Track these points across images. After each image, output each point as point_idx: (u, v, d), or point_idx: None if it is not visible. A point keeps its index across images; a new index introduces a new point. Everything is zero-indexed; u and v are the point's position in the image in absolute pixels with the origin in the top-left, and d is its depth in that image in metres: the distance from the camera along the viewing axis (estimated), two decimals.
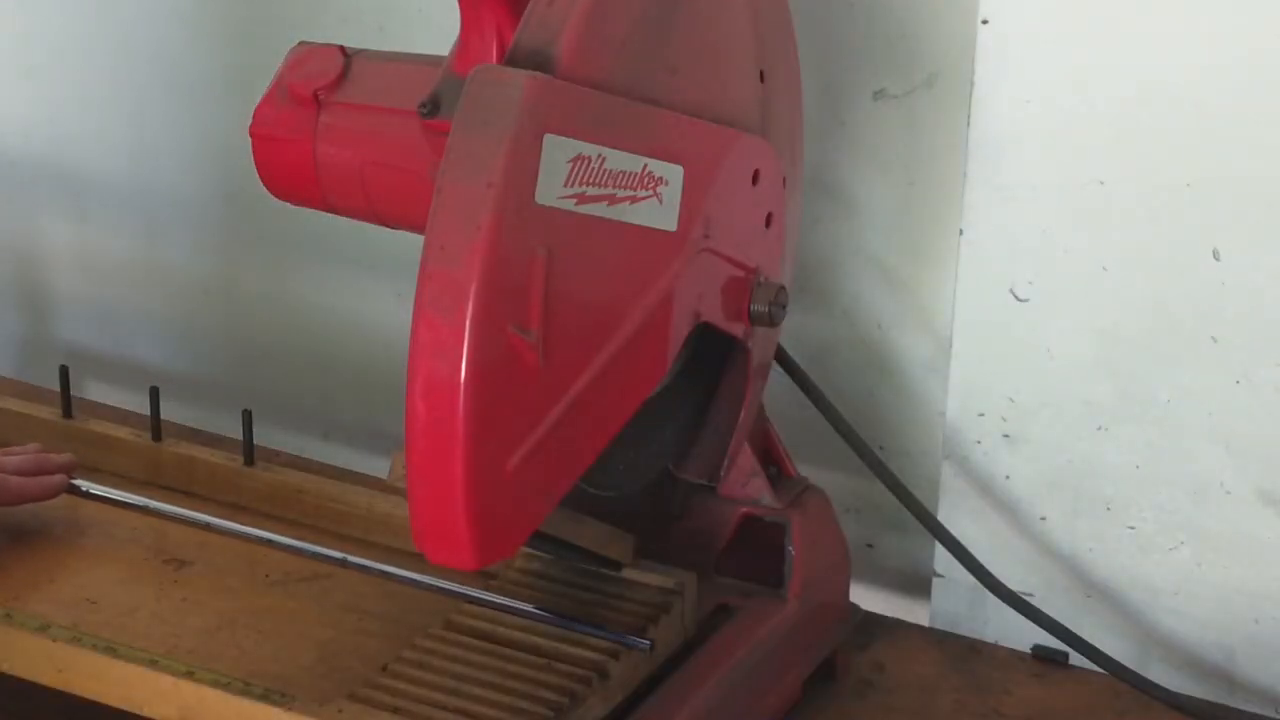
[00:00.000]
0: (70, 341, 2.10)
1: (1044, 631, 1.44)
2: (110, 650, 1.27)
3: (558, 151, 1.05)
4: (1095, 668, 1.42)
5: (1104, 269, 1.41)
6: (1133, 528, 1.46)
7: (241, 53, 1.86)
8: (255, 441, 1.51)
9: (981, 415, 1.50)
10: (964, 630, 1.54)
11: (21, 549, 1.43)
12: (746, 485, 1.37)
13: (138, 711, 1.26)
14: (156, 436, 1.55)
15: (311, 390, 1.95)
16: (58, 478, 1.46)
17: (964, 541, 1.44)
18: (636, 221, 1.13)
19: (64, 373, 1.60)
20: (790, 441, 1.42)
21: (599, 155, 1.08)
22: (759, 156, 1.27)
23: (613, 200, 1.10)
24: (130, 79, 1.94)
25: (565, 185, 1.06)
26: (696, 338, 1.24)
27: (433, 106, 1.21)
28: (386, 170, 1.28)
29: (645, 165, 1.13)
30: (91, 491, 1.48)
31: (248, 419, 1.51)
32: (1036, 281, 1.44)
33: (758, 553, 1.37)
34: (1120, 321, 1.42)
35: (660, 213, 1.15)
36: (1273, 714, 1.44)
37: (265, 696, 1.23)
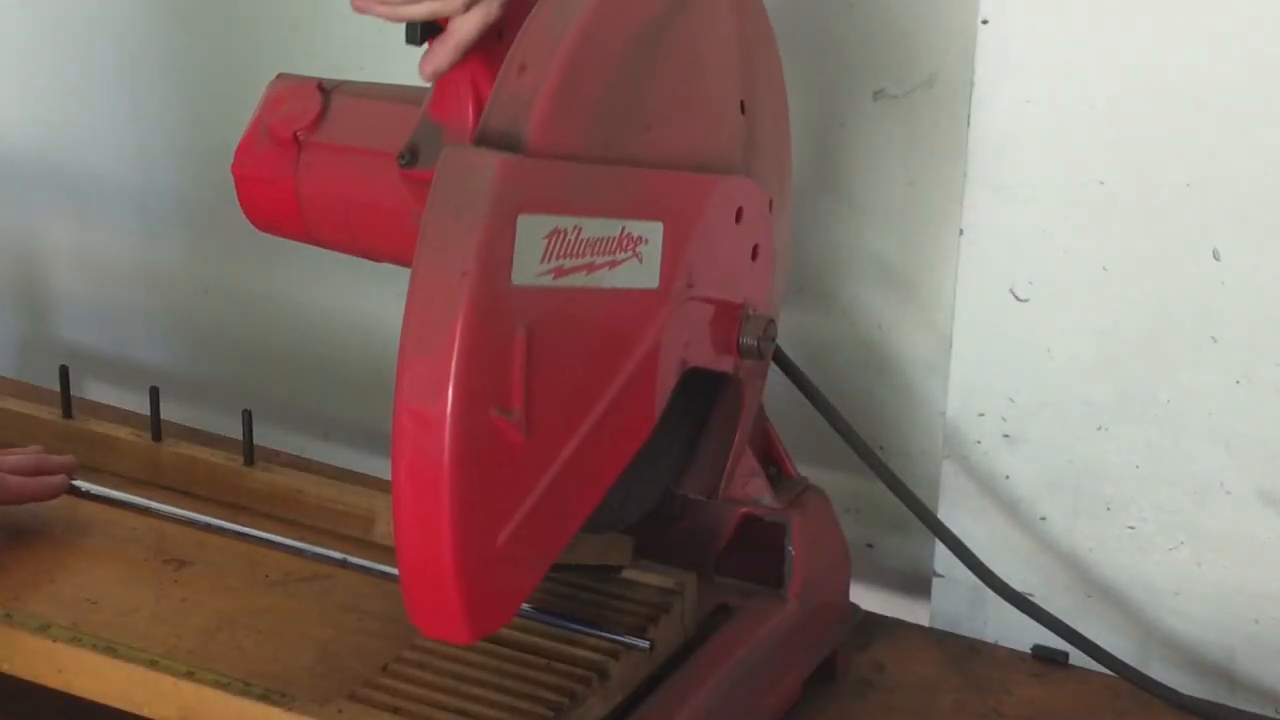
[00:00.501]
0: (70, 341, 2.09)
1: (1044, 632, 1.44)
2: (110, 650, 1.27)
3: (533, 230, 1.04)
4: (1095, 668, 1.43)
5: (1104, 269, 1.41)
6: (1133, 528, 1.46)
7: (242, 52, 1.86)
8: (255, 441, 1.51)
9: (981, 415, 1.50)
10: (964, 630, 1.54)
11: (21, 549, 1.43)
12: (746, 485, 1.37)
13: (138, 712, 1.26)
14: (156, 436, 1.55)
15: (311, 390, 1.95)
16: (58, 478, 1.46)
17: (964, 541, 1.44)
18: (617, 285, 1.12)
19: (64, 373, 1.60)
20: (790, 441, 1.42)
21: (575, 226, 1.07)
22: (741, 195, 1.24)
23: (591, 268, 1.09)
24: (130, 79, 1.94)
25: (542, 262, 1.05)
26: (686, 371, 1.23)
27: (411, 157, 1.20)
28: (370, 210, 1.27)
29: (623, 228, 1.11)
30: (92, 492, 1.48)
31: (248, 419, 1.51)
32: (1036, 281, 1.44)
33: (758, 553, 1.37)
34: (1120, 321, 1.42)
35: (641, 272, 1.14)
36: (1273, 714, 1.44)
37: (265, 696, 1.23)
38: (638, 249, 1.13)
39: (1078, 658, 1.45)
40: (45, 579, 1.39)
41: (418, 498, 1.03)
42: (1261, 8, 1.30)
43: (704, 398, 1.30)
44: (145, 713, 1.26)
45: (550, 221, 1.05)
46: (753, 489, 1.37)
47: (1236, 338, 1.38)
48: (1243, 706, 1.44)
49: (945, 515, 1.51)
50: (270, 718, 1.21)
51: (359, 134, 1.28)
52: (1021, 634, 1.48)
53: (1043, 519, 1.50)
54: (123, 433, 1.57)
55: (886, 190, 1.58)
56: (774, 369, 1.38)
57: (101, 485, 1.48)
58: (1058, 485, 1.48)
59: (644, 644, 1.26)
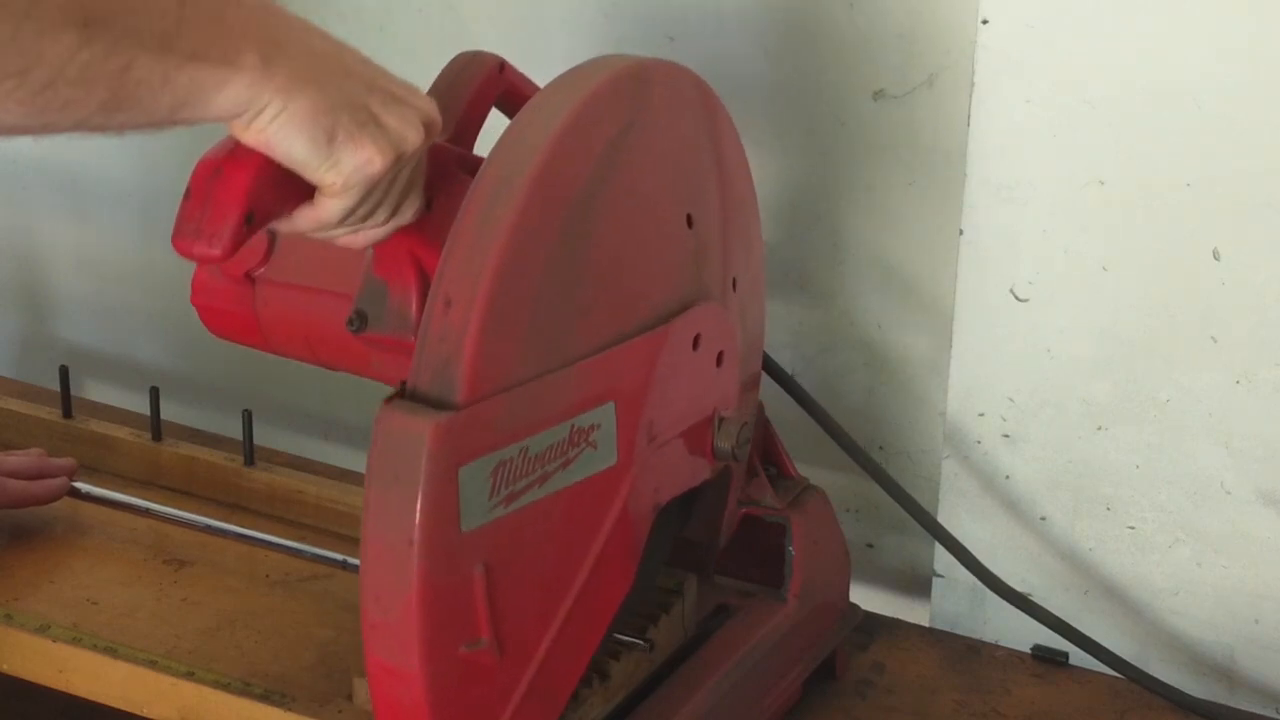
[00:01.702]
0: (70, 341, 2.09)
1: (1044, 631, 1.44)
2: (110, 650, 1.28)
3: (477, 475, 1.02)
4: (1095, 668, 1.43)
5: (1104, 269, 1.41)
6: (1133, 527, 1.46)
7: None
8: (255, 441, 1.51)
9: (981, 415, 1.50)
10: (964, 630, 1.54)
11: (21, 549, 1.43)
12: (746, 485, 1.37)
13: (138, 712, 1.26)
14: (156, 437, 1.55)
15: (311, 390, 1.95)
16: (59, 480, 1.46)
17: (964, 541, 1.44)
18: (574, 480, 1.09)
19: (64, 373, 1.60)
20: (790, 442, 1.42)
21: (521, 449, 1.05)
22: (695, 323, 1.19)
23: (544, 478, 1.07)
24: None
25: (491, 498, 1.03)
26: None
27: (360, 322, 1.18)
28: (328, 341, 1.24)
29: (572, 426, 1.08)
30: (92, 493, 1.48)
31: (248, 419, 1.51)
32: (1036, 281, 1.44)
33: (758, 553, 1.37)
34: (1120, 321, 1.42)
35: (598, 457, 1.11)
36: (1273, 714, 1.44)
37: (265, 696, 1.23)
38: (590, 438, 1.10)
39: (1077, 658, 1.45)
40: (45, 579, 1.39)
41: None
42: (1261, 8, 1.30)
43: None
44: (145, 713, 1.26)
45: (494, 458, 1.03)
46: (753, 489, 1.37)
47: (1236, 338, 1.38)
48: (1243, 706, 1.44)
49: (945, 515, 1.51)
50: (270, 718, 1.21)
51: (309, 273, 1.24)
52: (1021, 634, 1.48)
53: (1043, 519, 1.50)
54: (123, 433, 1.57)
55: (886, 190, 1.58)
56: (767, 379, 1.38)
57: (101, 486, 1.48)
58: (1058, 485, 1.48)
59: (644, 644, 1.26)
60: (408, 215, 1.11)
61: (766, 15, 1.56)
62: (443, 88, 1.21)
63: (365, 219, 1.08)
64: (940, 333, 1.55)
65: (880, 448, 1.64)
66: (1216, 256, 1.37)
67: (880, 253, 1.60)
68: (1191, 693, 1.42)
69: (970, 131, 1.43)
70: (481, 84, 1.21)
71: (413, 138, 1.05)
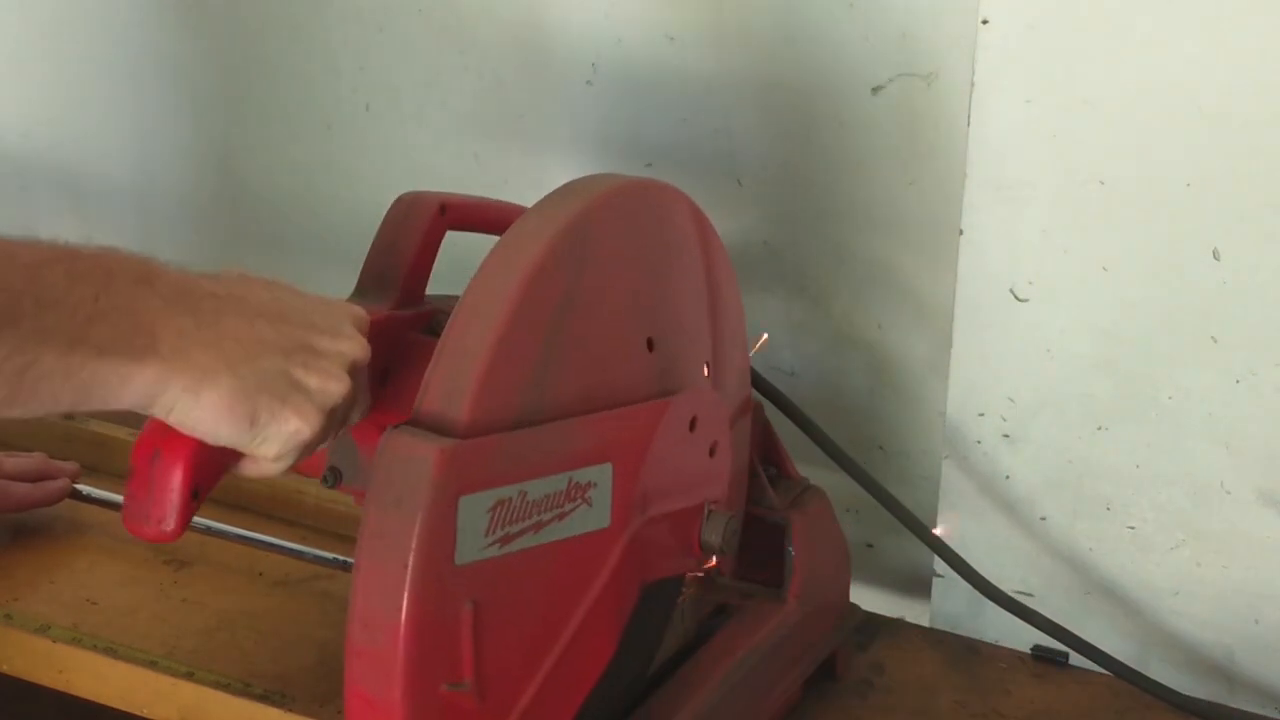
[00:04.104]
0: None
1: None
2: (110, 650, 1.28)
3: (476, 508, 1.03)
4: (1095, 668, 1.43)
5: (1104, 269, 1.41)
6: (1133, 528, 1.46)
7: (243, 53, 1.86)
8: None
9: (981, 415, 1.49)
10: (964, 630, 1.54)
11: (21, 549, 1.43)
12: (746, 485, 1.37)
13: (138, 712, 1.27)
14: None
15: None
16: (60, 482, 1.47)
17: (964, 541, 1.44)
18: (567, 534, 1.10)
19: None
20: (790, 442, 1.42)
21: (520, 492, 1.06)
22: (694, 405, 1.21)
23: (539, 526, 1.08)
24: (130, 79, 1.94)
25: (487, 535, 1.04)
26: None
27: (333, 478, 1.22)
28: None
29: (570, 479, 1.10)
30: (93, 495, 1.48)
31: None
32: (1036, 281, 1.44)
33: (758, 553, 1.37)
34: (1120, 321, 1.42)
35: (592, 515, 1.12)
36: (1273, 714, 1.44)
37: (265, 697, 1.23)
38: (586, 494, 1.11)
39: (1077, 658, 1.45)
40: (45, 579, 1.39)
41: None
42: (1261, 8, 1.30)
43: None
44: (145, 713, 1.26)
45: (493, 495, 1.04)
46: (753, 489, 1.37)
47: (1236, 338, 1.38)
48: (1242, 706, 1.44)
49: (945, 515, 1.51)
50: (270, 718, 1.21)
51: None
52: (1021, 634, 1.48)
53: (1043, 519, 1.50)
54: (123, 433, 1.57)
55: (886, 190, 1.58)
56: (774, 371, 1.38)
57: (102, 486, 1.48)
58: (1058, 485, 1.48)
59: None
60: (357, 416, 1.14)
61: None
62: (385, 243, 1.24)
63: (314, 449, 1.10)
64: (940, 333, 1.55)
65: (880, 448, 1.64)
66: (1216, 256, 1.37)
67: (880, 253, 1.60)
68: (1191, 693, 1.42)
69: (970, 131, 1.43)
70: (425, 232, 1.24)
71: (336, 390, 1.08)
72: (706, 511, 1.24)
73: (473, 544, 1.04)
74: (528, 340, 1.07)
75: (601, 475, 1.12)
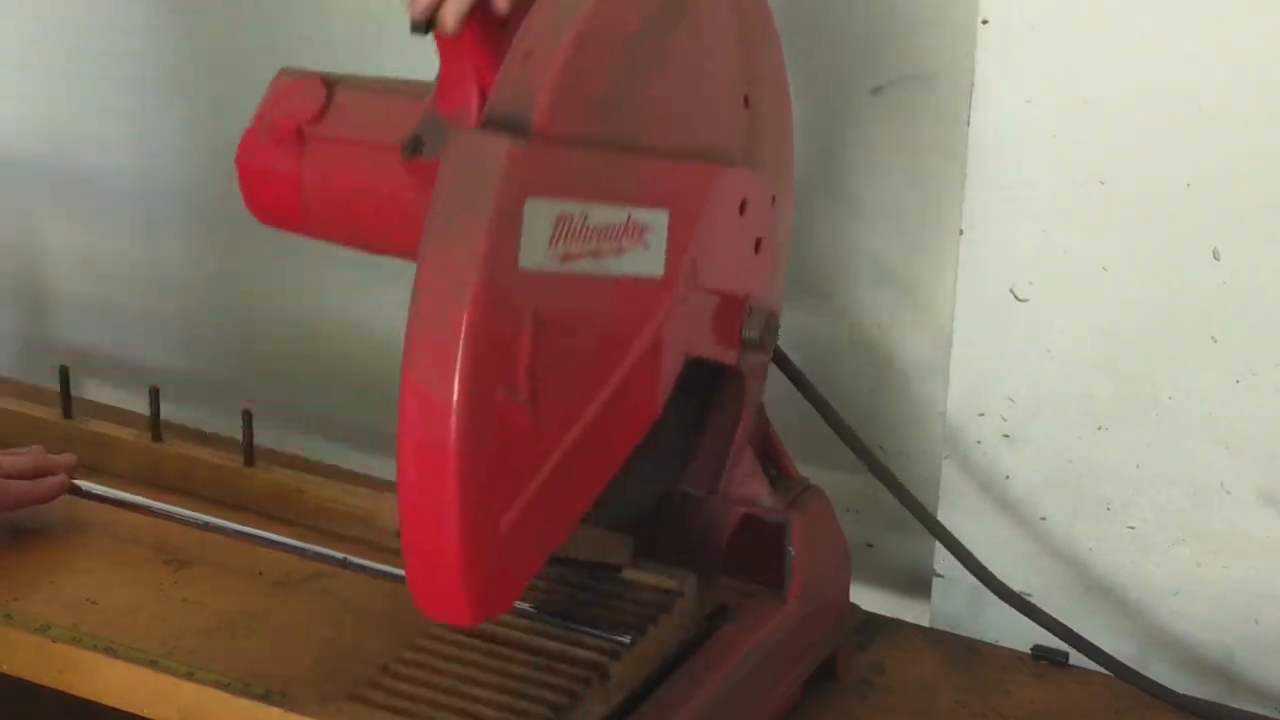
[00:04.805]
0: (70, 341, 2.09)
1: (1044, 631, 1.43)
2: (110, 650, 1.28)
3: (540, 215, 1.04)
4: (1095, 668, 1.43)
5: (1104, 269, 1.41)
6: (1133, 527, 1.46)
7: (243, 52, 1.86)
8: (255, 441, 1.51)
9: (981, 415, 1.50)
10: (964, 630, 1.54)
11: (21, 549, 1.43)
12: (746, 485, 1.37)
13: (138, 712, 1.26)
14: (156, 437, 1.55)
15: (311, 390, 1.95)
16: (59, 478, 1.46)
17: (964, 541, 1.44)
18: (623, 272, 1.12)
19: (64, 373, 1.60)
20: (790, 441, 1.42)
21: (582, 213, 1.08)
22: (745, 186, 1.25)
23: (598, 254, 1.10)
24: (131, 79, 1.94)
25: (549, 246, 1.06)
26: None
27: (414, 146, 1.21)
28: (373, 202, 1.27)
29: (629, 215, 1.12)
30: (92, 492, 1.48)
31: (248, 419, 1.51)
32: (1036, 281, 1.44)
33: (758, 553, 1.37)
34: (1120, 321, 1.42)
35: (647, 259, 1.15)
36: (1273, 714, 1.44)
37: (265, 697, 1.23)
38: (644, 236, 1.14)
39: (1077, 658, 1.45)
40: (45, 579, 1.39)
41: (423, 479, 1.03)
42: (1261, 8, 1.30)
43: (704, 390, 1.31)
44: (145, 713, 1.26)
45: (557, 207, 1.06)
46: (753, 489, 1.37)
47: (1236, 338, 1.38)
48: (1242, 706, 1.44)
49: (945, 515, 1.51)
50: (270, 718, 1.21)
51: (363, 127, 1.28)
52: (1021, 634, 1.48)
53: (1043, 519, 1.50)
54: (123, 433, 1.57)
55: (886, 190, 1.58)
56: (774, 370, 1.38)
57: (101, 485, 1.48)
58: (1057, 485, 1.48)
59: (624, 639, 1.25)
60: None
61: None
62: None
63: None
64: (940, 333, 1.55)
65: (881, 448, 1.64)
66: (1216, 256, 1.37)
67: (880, 253, 1.60)
68: (1191, 693, 1.42)
69: (970, 131, 1.43)
70: None
71: None
72: (749, 308, 1.26)
73: (536, 251, 1.04)
74: (608, 54, 1.09)
75: (659, 221, 1.15)
